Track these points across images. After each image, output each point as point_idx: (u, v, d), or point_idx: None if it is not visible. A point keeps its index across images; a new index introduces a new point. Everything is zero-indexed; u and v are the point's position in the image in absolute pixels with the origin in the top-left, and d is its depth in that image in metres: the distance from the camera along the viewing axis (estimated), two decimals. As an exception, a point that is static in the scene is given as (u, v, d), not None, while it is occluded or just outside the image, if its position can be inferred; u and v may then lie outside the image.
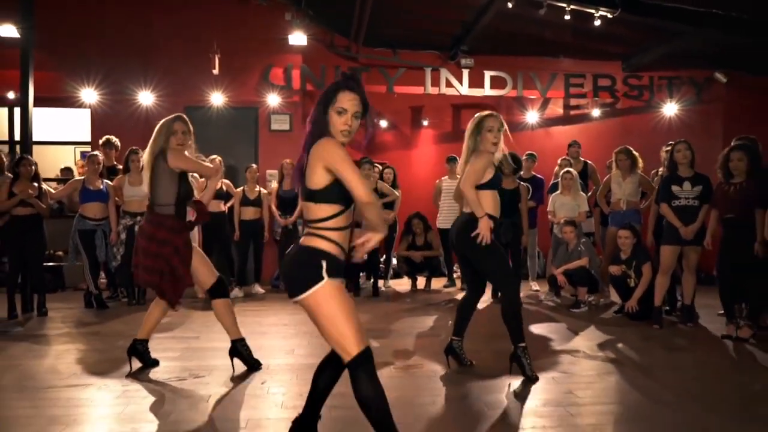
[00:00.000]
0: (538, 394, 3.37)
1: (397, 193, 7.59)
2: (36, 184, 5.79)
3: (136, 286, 6.42)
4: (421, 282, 7.62)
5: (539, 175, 7.40)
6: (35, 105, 7.20)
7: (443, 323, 5.37)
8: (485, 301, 6.11)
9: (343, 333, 2.18)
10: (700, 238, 5.12)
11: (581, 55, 8.80)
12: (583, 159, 7.51)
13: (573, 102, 9.03)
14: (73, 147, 9.27)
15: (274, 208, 7.36)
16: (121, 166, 6.67)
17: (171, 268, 3.63)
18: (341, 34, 8.60)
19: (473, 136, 3.76)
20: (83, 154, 8.92)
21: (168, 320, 5.31)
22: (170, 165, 3.66)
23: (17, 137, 7.81)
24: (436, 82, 8.68)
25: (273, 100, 8.15)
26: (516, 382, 3.55)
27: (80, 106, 7.93)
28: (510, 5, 6.56)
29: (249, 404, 3.22)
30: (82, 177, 6.36)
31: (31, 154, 6.49)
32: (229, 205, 7.11)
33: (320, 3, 8.01)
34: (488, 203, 3.70)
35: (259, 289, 7.26)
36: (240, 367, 3.83)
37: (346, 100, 2.26)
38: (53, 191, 6.32)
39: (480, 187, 3.68)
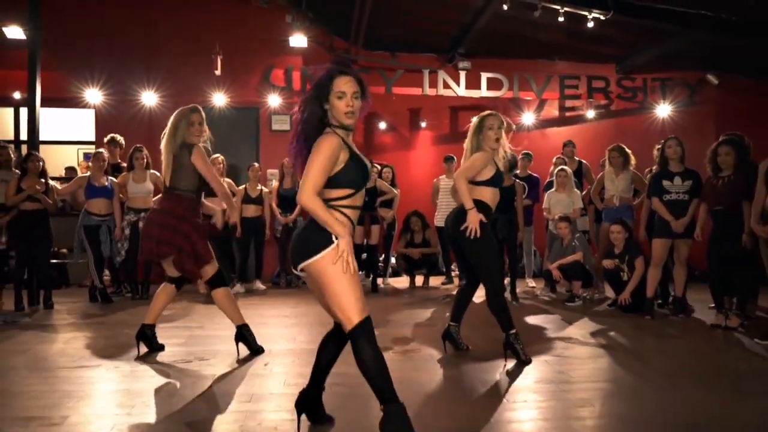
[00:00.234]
0: (531, 373, 3.50)
1: (395, 191, 7.73)
2: (43, 180, 5.92)
3: (138, 282, 6.56)
4: (419, 280, 7.75)
5: (535, 174, 7.55)
6: (40, 105, 7.36)
7: (440, 315, 5.50)
8: (482, 296, 6.23)
9: (348, 299, 2.29)
10: (691, 231, 5.27)
11: (576, 58, 8.98)
12: (577, 159, 7.67)
13: (568, 104, 9.20)
14: (77, 147, 9.40)
15: (274, 206, 7.51)
16: (125, 164, 6.82)
17: (191, 245, 3.77)
18: (341, 36, 8.76)
19: (475, 136, 3.89)
20: (86, 156, 9.06)
21: (171, 313, 5.45)
22: (192, 161, 3.82)
23: (22, 137, 7.98)
24: (433, 84, 8.84)
25: (274, 100, 8.31)
26: (510, 364, 3.67)
27: (84, 106, 8.07)
28: (505, 7, 6.72)
29: (253, 382, 3.35)
30: (88, 174, 6.49)
31: (38, 154, 6.63)
32: (230, 202, 7.23)
33: (320, 5, 8.18)
34: (488, 197, 3.85)
35: (259, 285, 7.38)
36: (244, 352, 3.96)
37: (343, 84, 2.38)
38: (59, 188, 6.45)
39: (481, 183, 3.82)
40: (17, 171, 6.03)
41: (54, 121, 8.74)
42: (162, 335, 4.23)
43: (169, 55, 8.09)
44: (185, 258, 3.78)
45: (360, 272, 7.83)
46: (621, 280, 5.80)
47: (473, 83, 8.84)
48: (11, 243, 6.03)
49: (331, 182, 2.35)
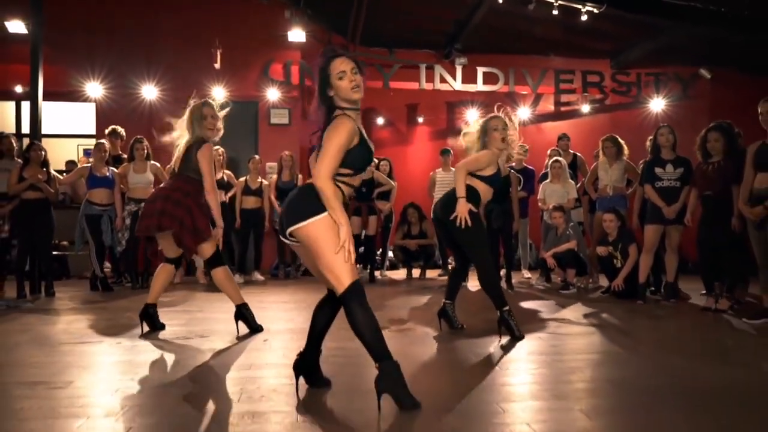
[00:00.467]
0: (524, 347, 3.59)
1: (393, 183, 7.83)
2: (45, 170, 6.01)
3: (138, 273, 6.64)
4: (416, 272, 7.83)
5: (530, 167, 7.65)
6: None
7: (437, 300, 5.55)
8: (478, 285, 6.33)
9: (340, 263, 2.36)
10: (682, 217, 5.37)
11: (570, 53, 9.10)
12: (572, 151, 7.77)
13: (563, 98, 9.32)
14: (77, 141, 9.48)
15: (273, 198, 7.60)
16: (126, 156, 6.91)
17: (192, 220, 3.87)
18: (338, 33, 8.88)
19: (480, 139, 3.99)
20: (86, 152, 9.16)
21: (171, 299, 5.55)
22: (198, 156, 3.96)
23: (24, 130, 8.07)
24: (430, 79, 8.97)
25: (273, 94, 8.42)
26: (504, 340, 3.76)
27: (85, 100, 8.18)
28: (500, 0, 6.83)
29: (252, 354, 3.43)
30: (89, 164, 6.58)
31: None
32: (230, 195, 7.34)
33: (318, 2, 8.30)
34: (481, 189, 3.93)
35: (258, 276, 7.46)
36: (243, 330, 4.04)
37: (339, 64, 2.48)
38: (61, 177, 6.54)
39: (478, 177, 3.91)
40: (19, 161, 6.11)
41: (55, 115, 8.83)
42: (163, 318, 4.29)
43: (169, 49, 8.20)
44: (185, 232, 3.86)
45: (358, 265, 7.92)
46: (614, 268, 5.89)
47: (469, 78, 8.96)
48: (13, 232, 6.11)
49: None
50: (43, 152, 6.01)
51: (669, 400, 2.56)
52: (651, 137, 6.05)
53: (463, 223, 3.77)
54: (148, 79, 8.17)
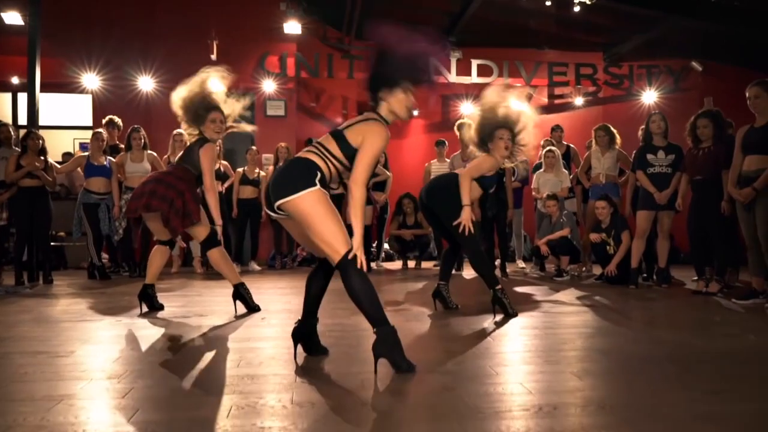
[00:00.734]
0: (518, 322, 3.66)
1: (388, 173, 7.89)
2: (42, 158, 6.04)
3: (136, 263, 6.68)
4: (411, 263, 7.89)
5: (524, 157, 7.71)
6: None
7: (432, 286, 5.57)
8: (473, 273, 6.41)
9: (334, 233, 2.42)
10: (673, 203, 5.46)
11: (564, 46, 9.19)
12: (565, 143, 7.85)
13: (557, 91, 9.41)
14: (73, 134, 9.50)
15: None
16: (123, 146, 6.95)
17: (183, 202, 3.91)
18: (333, 26, 8.94)
19: (483, 142, 4.03)
20: (82, 146, 9.19)
21: (168, 285, 5.60)
22: (200, 153, 4.06)
23: (20, 121, 8.09)
24: (425, 71, 9.02)
25: (269, 86, 8.47)
26: (498, 318, 3.83)
27: (82, 91, 8.21)
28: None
29: (250, 330, 3.49)
30: (87, 153, 6.62)
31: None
32: (227, 185, 7.39)
33: (313, -6, 8.37)
34: (474, 189, 4.02)
35: (255, 266, 7.51)
36: (241, 310, 4.09)
37: (415, 90, 2.64)
38: (59, 166, 6.57)
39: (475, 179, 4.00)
40: (17, 149, 6.14)
41: (52, 106, 8.85)
42: (161, 301, 4.32)
43: (165, 40, 8.24)
44: (173, 214, 3.89)
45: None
46: (607, 254, 5.97)
47: (464, 70, 9.03)
48: (11, 220, 6.14)
49: (345, 148, 2.51)
50: (40, 141, 6.05)
51: (657, 364, 2.63)
52: (643, 127, 6.15)
53: (466, 230, 3.84)
54: (144, 71, 8.20)
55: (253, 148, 7.69)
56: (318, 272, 2.73)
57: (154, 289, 4.17)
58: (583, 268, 6.75)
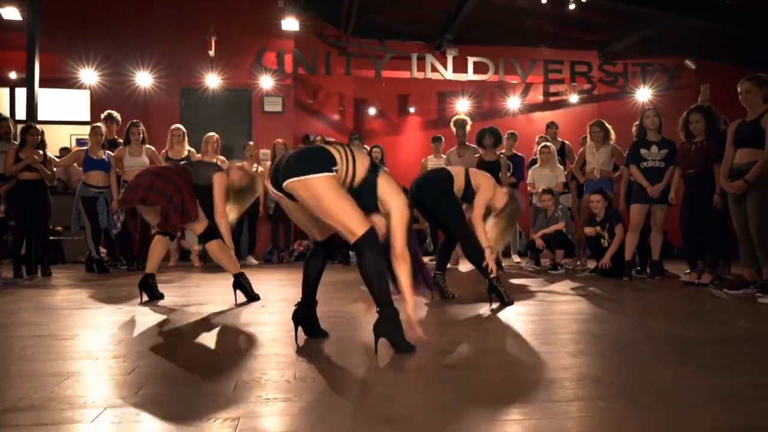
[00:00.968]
0: (513, 310, 3.72)
1: (385, 169, 7.93)
2: (41, 152, 6.07)
3: (134, 257, 6.71)
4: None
5: (520, 153, 7.80)
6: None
7: (429, 278, 5.70)
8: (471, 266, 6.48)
9: (350, 215, 2.43)
10: (666, 196, 5.54)
11: (559, 44, 9.28)
12: (560, 139, 7.94)
13: (552, 89, 9.49)
14: (69, 130, 9.52)
15: (268, 184, 7.67)
16: (121, 140, 7.00)
17: (181, 199, 3.94)
18: (331, 23, 8.99)
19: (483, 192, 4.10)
20: (79, 142, 9.20)
21: (168, 277, 5.63)
22: (213, 177, 4.16)
23: (18, 116, 8.11)
24: (421, 68, 9.10)
25: (266, 82, 8.52)
26: (494, 305, 3.89)
27: (80, 87, 8.23)
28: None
29: (251, 316, 3.53)
30: (85, 148, 6.65)
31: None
32: (224, 180, 7.42)
33: (311, -8, 8.42)
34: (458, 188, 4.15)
35: (252, 260, 7.55)
36: (241, 299, 4.14)
37: None
38: (57, 160, 6.60)
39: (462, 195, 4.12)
40: (15, 143, 6.17)
41: (50, 102, 8.86)
42: (161, 291, 4.39)
43: (163, 36, 8.28)
44: (172, 210, 3.92)
45: (350, 252, 8.03)
46: (602, 247, 6.05)
47: (460, 67, 9.11)
48: (10, 212, 6.17)
49: (370, 184, 2.57)
50: (39, 135, 6.07)
51: (650, 346, 2.70)
52: (637, 123, 6.24)
53: (493, 272, 3.90)
54: (142, 66, 8.24)
55: (251, 143, 7.75)
56: (316, 256, 2.79)
57: (154, 278, 4.21)
58: (578, 262, 6.82)
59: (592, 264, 6.45)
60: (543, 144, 7.22)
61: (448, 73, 9.13)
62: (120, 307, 3.84)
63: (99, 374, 2.19)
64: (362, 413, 1.77)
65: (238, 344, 2.71)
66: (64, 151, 8.68)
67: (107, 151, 6.65)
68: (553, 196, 6.74)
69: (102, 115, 7.27)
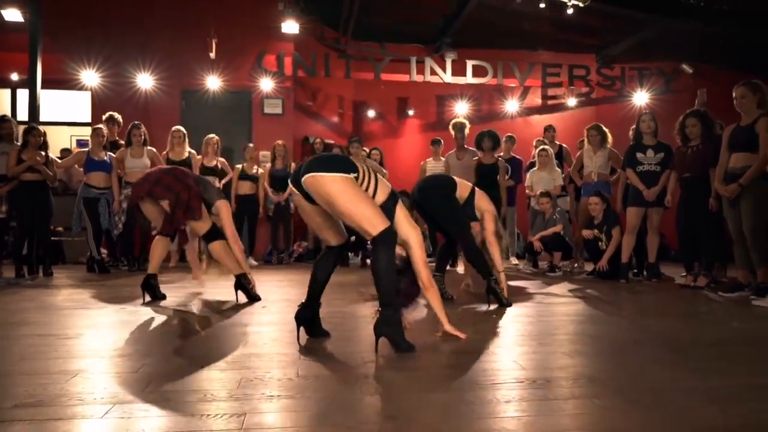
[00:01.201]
0: (511, 311, 3.78)
1: (384, 170, 8.00)
2: (43, 153, 6.11)
3: (135, 257, 6.75)
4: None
5: (518, 156, 7.87)
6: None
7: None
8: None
9: (368, 213, 2.49)
10: (662, 200, 5.60)
11: (558, 48, 9.35)
12: (558, 143, 8.00)
13: (550, 92, 9.57)
14: (70, 132, 9.56)
15: (267, 185, 7.75)
16: (122, 142, 7.04)
17: (188, 196, 4.00)
18: (330, 26, 9.05)
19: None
20: (80, 143, 9.25)
21: (169, 278, 5.66)
22: (217, 203, 4.24)
23: (20, 117, 8.14)
24: (420, 71, 9.17)
25: (266, 84, 8.57)
26: (493, 307, 3.94)
27: (81, 88, 8.27)
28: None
29: (253, 317, 3.58)
30: (86, 149, 6.70)
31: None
32: (224, 181, 7.48)
33: (311, -6, 8.48)
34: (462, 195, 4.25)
35: (252, 261, 7.58)
36: (242, 300, 4.18)
37: None
38: (59, 161, 6.65)
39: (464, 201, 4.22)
40: (18, 143, 6.20)
41: (51, 103, 8.90)
42: (163, 291, 4.43)
43: (164, 38, 8.32)
44: (178, 205, 3.98)
45: (350, 252, 8.08)
46: (599, 250, 6.10)
47: (459, 71, 9.17)
48: (11, 213, 6.20)
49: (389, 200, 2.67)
50: (41, 137, 6.11)
51: (646, 347, 2.76)
52: (634, 127, 6.30)
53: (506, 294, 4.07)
54: (143, 68, 8.28)
55: (251, 145, 7.80)
56: (327, 259, 2.83)
57: (156, 279, 4.26)
58: (575, 264, 6.87)
59: (589, 266, 6.51)
60: (541, 147, 7.29)
61: (447, 77, 9.19)
62: (123, 307, 3.89)
63: (106, 372, 2.24)
64: (364, 410, 1.82)
65: (240, 343, 2.76)
66: (65, 152, 8.73)
67: (108, 153, 6.69)
68: (550, 198, 6.80)
69: (103, 117, 7.30)
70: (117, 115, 7.33)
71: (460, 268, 6.87)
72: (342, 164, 2.57)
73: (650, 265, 5.87)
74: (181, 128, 7.15)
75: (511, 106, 9.50)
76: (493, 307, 3.93)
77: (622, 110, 9.40)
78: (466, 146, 7.05)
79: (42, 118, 8.16)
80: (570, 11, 7.43)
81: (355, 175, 2.55)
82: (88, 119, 8.49)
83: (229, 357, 2.48)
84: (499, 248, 4.18)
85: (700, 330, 3.25)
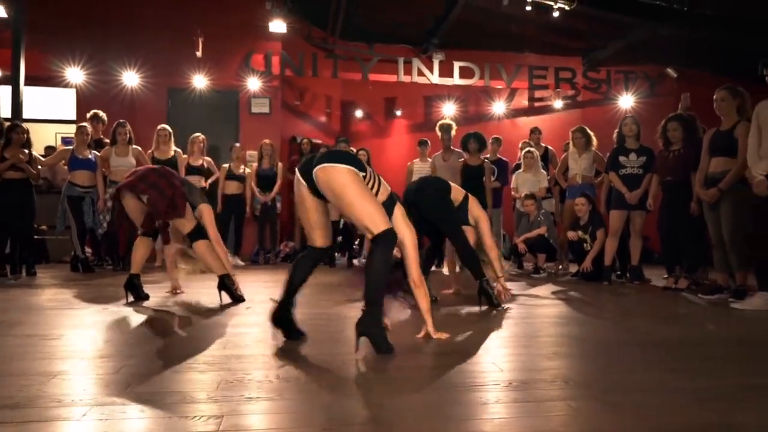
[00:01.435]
0: (498, 314, 3.81)
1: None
2: (27, 151, 6.06)
3: (120, 256, 6.71)
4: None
5: (504, 158, 7.91)
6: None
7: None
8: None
9: (372, 211, 2.53)
10: (644, 203, 5.67)
11: (544, 50, 9.42)
12: (544, 145, 8.06)
13: (537, 94, 9.64)
14: (55, 128, 9.48)
15: (254, 185, 7.74)
16: (107, 140, 6.99)
17: (173, 194, 4.00)
18: (318, 26, 9.05)
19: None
20: (65, 140, 9.17)
21: (154, 278, 5.64)
22: (200, 207, 4.27)
23: (2, 114, 8.05)
24: (408, 72, 9.20)
25: (253, 84, 8.55)
26: (483, 308, 3.97)
27: (66, 85, 8.20)
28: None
29: (236, 318, 3.59)
30: (71, 147, 6.65)
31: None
32: (210, 181, 7.46)
33: (299, -6, 8.47)
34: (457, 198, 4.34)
35: (238, 261, 7.56)
36: (226, 300, 4.18)
37: None
38: (43, 159, 6.59)
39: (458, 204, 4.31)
40: (1, 141, 6.14)
41: (35, 100, 8.81)
42: (147, 292, 4.41)
43: (150, 36, 8.26)
44: (163, 200, 3.97)
45: (336, 253, 8.09)
46: (584, 252, 6.16)
47: (446, 72, 9.21)
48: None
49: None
50: (25, 134, 6.06)
51: (624, 348, 2.80)
52: (617, 130, 6.37)
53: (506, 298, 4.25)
54: (129, 66, 8.23)
55: (238, 144, 7.79)
56: (307, 259, 2.85)
57: (139, 279, 4.25)
58: (560, 266, 6.94)
59: (573, 268, 6.57)
60: (526, 149, 7.34)
61: (435, 78, 9.22)
62: (106, 308, 3.87)
63: (86, 373, 2.23)
64: (345, 412, 1.84)
65: (222, 344, 2.76)
66: (50, 149, 8.66)
67: (93, 151, 6.65)
68: (535, 200, 6.85)
69: (88, 115, 7.25)
70: (101, 113, 7.28)
71: (445, 270, 6.91)
72: (354, 161, 2.63)
73: (633, 268, 5.94)
74: (167, 127, 7.11)
75: (498, 107, 9.56)
76: (485, 308, 3.96)
77: (607, 113, 9.48)
78: (452, 148, 7.09)
79: (27, 116, 8.10)
80: (556, 14, 7.50)
81: (363, 174, 2.63)
82: (73, 117, 8.42)
83: (210, 358, 2.48)
84: (499, 253, 4.30)
85: (677, 332, 3.29)
